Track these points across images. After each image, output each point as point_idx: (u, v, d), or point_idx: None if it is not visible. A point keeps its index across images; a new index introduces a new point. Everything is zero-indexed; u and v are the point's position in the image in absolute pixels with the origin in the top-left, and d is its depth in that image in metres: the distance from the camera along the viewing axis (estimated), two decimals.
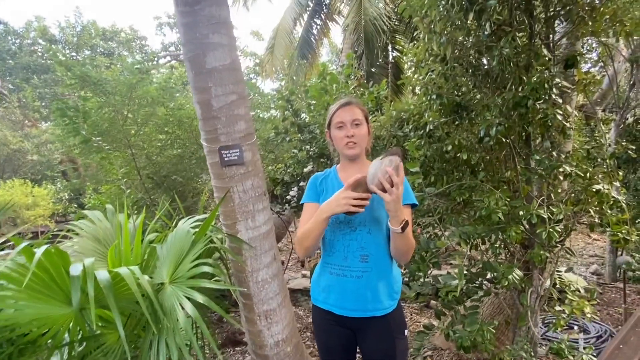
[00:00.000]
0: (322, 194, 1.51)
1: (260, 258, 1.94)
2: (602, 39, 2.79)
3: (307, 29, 8.71)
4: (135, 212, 3.56)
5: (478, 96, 2.40)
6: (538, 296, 2.63)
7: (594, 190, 2.40)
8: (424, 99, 2.29)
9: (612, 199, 2.35)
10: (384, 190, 1.19)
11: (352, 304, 1.41)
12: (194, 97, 1.77)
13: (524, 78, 2.12)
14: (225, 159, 1.77)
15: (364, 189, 1.24)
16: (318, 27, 8.91)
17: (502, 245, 2.57)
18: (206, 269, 1.76)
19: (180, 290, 1.87)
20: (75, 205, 8.89)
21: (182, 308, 1.72)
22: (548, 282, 2.71)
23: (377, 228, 1.42)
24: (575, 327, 3.83)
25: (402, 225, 1.25)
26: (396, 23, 7.64)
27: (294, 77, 8.62)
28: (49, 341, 1.71)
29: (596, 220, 2.73)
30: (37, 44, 13.69)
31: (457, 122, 2.50)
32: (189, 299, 1.81)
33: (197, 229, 2.06)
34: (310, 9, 8.75)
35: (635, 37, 4.67)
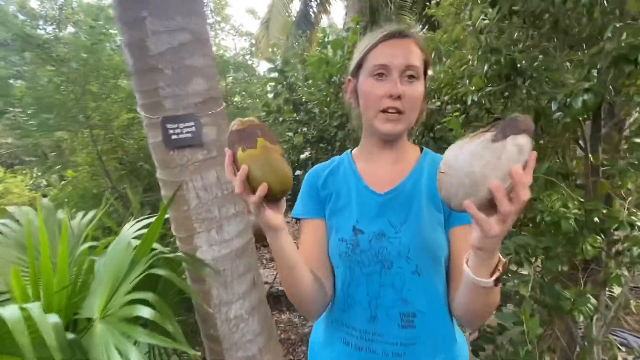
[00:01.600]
0: (330, 201, 0.86)
1: (232, 286, 1.31)
2: None
3: (306, 2, 7.92)
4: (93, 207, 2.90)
5: (539, 57, 1.74)
6: (604, 324, 2.03)
7: None
8: (469, 57, 1.62)
9: None
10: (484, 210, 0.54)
11: None
12: (122, 36, 1.11)
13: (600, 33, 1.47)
14: (173, 137, 1.12)
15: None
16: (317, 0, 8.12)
17: (560, 260, 1.94)
18: (145, 313, 1.12)
19: (111, 335, 1.26)
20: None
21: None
22: (613, 305, 2.11)
23: (432, 264, 0.77)
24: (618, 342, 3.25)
25: (495, 275, 0.61)
26: None
27: (292, 59, 7.86)
28: None
29: None
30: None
31: (505, 94, 1.85)
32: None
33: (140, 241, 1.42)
34: None
35: None
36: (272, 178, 0.62)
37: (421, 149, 0.89)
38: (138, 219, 1.62)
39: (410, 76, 0.76)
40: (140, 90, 1.13)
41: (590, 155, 1.84)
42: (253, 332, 1.37)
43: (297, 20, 7.91)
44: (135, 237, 1.46)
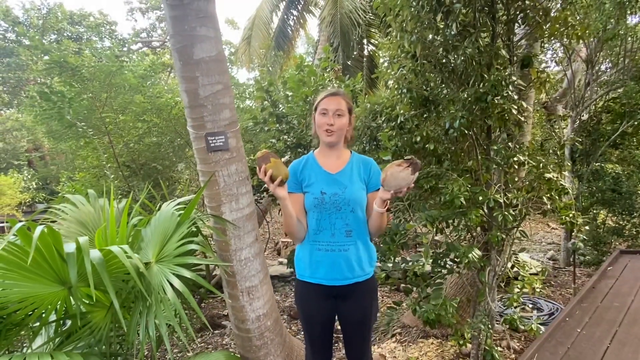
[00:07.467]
0: (305, 183, 1.65)
1: (244, 238, 2.09)
2: (563, 41, 3.05)
3: (284, 20, 8.75)
4: (116, 198, 3.57)
5: (445, 91, 2.61)
6: (495, 274, 2.90)
7: (546, 178, 2.68)
8: (395, 92, 2.47)
9: (560, 186, 2.63)
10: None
11: (340, 274, 1.61)
12: (180, 85, 1.88)
13: (485, 76, 2.34)
14: (212, 144, 1.89)
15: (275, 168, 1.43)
16: (294, 17, 8.97)
17: (465, 229, 2.81)
18: (194, 246, 1.88)
19: (166, 268, 1.97)
20: (44, 195, 8.63)
21: (171, 285, 1.80)
22: (508, 263, 2.99)
23: (359, 207, 1.61)
24: (530, 306, 4.19)
25: (386, 207, 1.51)
26: (371, 17, 7.81)
27: (270, 68, 8.66)
28: (35, 322, 1.76)
29: (548, 206, 3.03)
30: None
31: (425, 115, 2.71)
32: (177, 276, 1.92)
33: (181, 212, 2.17)
34: None
35: (589, 39, 5.03)
36: (280, 174, 1.42)
37: (351, 152, 1.70)
38: (172, 200, 2.37)
39: (339, 115, 1.59)
40: (191, 117, 1.90)
41: (479, 157, 2.72)
42: (256, 269, 2.15)
43: (276, 36, 8.72)
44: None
